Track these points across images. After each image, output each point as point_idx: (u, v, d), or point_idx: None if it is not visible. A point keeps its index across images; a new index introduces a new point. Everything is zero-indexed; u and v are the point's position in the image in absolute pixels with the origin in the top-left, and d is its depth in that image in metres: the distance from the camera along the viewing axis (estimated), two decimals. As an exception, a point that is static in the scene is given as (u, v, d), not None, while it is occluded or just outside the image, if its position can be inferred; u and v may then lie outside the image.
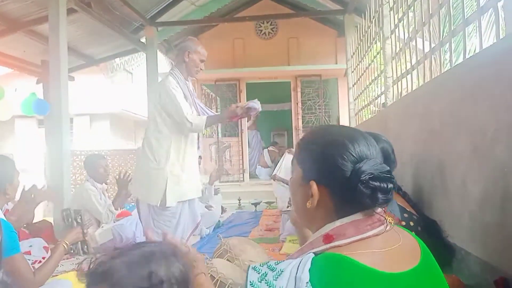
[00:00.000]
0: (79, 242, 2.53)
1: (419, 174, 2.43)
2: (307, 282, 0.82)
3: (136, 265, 0.93)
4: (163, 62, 13.37)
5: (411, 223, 1.73)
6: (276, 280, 0.85)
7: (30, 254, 2.87)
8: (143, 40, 7.49)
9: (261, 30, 9.13)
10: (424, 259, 0.95)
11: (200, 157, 5.48)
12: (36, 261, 2.83)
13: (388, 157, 2.01)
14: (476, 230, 1.70)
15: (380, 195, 0.91)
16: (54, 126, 4.71)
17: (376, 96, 4.52)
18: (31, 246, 3.03)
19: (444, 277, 0.99)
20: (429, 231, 1.79)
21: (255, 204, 6.67)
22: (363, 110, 5.41)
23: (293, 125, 8.78)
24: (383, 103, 4.13)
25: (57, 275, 3.12)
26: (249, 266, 0.92)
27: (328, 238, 0.94)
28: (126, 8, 6.20)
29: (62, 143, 4.57)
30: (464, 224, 1.79)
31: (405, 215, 1.75)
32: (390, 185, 0.93)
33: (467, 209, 1.76)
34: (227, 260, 2.39)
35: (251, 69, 8.43)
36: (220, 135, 8.87)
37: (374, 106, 4.75)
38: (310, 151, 1.02)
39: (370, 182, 0.91)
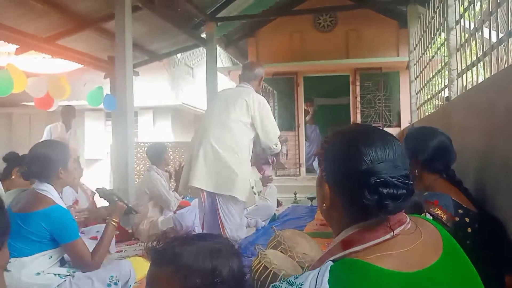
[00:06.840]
0: (125, 209, 2.57)
1: (483, 171, 2.31)
2: None
3: (204, 257, 0.98)
4: (222, 57, 13.63)
5: (467, 219, 1.66)
6: None
7: (97, 239, 3.07)
8: (203, 35, 7.69)
9: (320, 23, 9.00)
10: (447, 252, 0.91)
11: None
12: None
13: (447, 150, 1.95)
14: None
15: (389, 202, 0.86)
16: (120, 118, 4.98)
17: (439, 89, 4.34)
18: (97, 231, 3.28)
19: (505, 277, 0.95)
20: (490, 228, 1.71)
21: (311, 199, 6.63)
22: (426, 104, 5.21)
23: (352, 119, 8.61)
24: (446, 97, 3.97)
25: (120, 260, 3.30)
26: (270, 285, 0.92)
27: (346, 244, 0.92)
28: (187, 4, 6.41)
29: (127, 135, 4.83)
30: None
31: (460, 211, 1.68)
32: (402, 191, 0.87)
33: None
34: (281, 251, 2.42)
35: (309, 63, 8.36)
36: (277, 129, 8.89)
37: (437, 100, 4.57)
38: (325, 153, 1.00)
39: (378, 188, 0.86)
